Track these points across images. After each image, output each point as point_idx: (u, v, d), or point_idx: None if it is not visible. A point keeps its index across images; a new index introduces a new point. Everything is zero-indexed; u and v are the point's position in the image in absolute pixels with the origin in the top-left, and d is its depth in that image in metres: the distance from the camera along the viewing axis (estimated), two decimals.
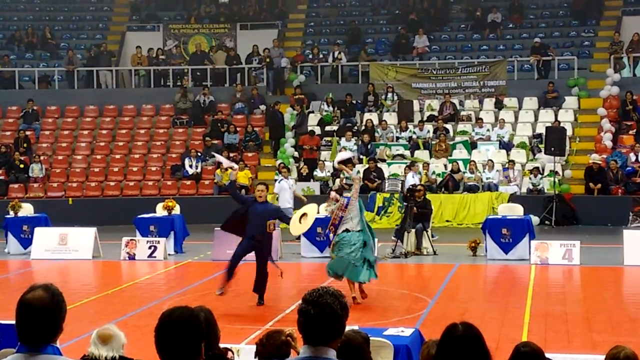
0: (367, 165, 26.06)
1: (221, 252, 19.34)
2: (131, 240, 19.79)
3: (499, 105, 28.90)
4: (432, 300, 14.54)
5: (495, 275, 18.03)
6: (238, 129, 28.98)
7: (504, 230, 18.85)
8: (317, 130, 28.45)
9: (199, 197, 26.81)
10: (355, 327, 6.71)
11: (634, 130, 26.97)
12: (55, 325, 3.85)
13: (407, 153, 27.20)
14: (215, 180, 26.79)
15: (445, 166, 26.16)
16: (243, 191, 26.03)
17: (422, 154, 27.06)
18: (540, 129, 27.12)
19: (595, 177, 24.94)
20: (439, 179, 25.67)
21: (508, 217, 19.61)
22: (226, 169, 22.66)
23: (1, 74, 31.77)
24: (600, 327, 12.46)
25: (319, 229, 18.40)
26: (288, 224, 14.58)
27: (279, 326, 10.02)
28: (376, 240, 19.01)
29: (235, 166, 15.51)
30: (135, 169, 28.31)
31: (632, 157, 25.69)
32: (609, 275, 17.33)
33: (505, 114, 28.38)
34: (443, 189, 25.26)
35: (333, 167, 26.69)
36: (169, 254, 19.90)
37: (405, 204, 20.63)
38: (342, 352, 4.37)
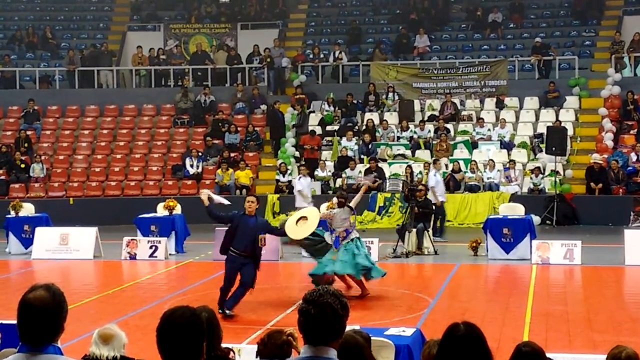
0: (368, 165, 26.06)
1: None
2: (132, 240, 19.79)
3: (500, 105, 28.90)
4: (434, 300, 14.54)
5: (497, 275, 18.03)
6: (239, 128, 28.99)
7: (505, 230, 18.85)
8: (318, 130, 28.45)
9: (200, 197, 26.76)
10: (357, 327, 6.71)
11: (635, 130, 26.95)
12: (56, 325, 3.85)
13: (408, 153, 27.20)
14: (216, 180, 26.80)
15: (447, 166, 26.14)
16: (244, 191, 26.09)
17: (423, 154, 27.05)
18: (541, 129, 27.12)
19: (596, 177, 24.93)
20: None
21: (509, 217, 19.61)
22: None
23: (2, 74, 31.78)
24: (602, 327, 12.46)
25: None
26: (281, 235, 14.50)
27: (280, 326, 10.01)
28: (377, 240, 19.11)
29: (225, 202, 14.61)
30: (136, 168, 28.32)
31: (633, 156, 25.69)
32: (610, 275, 17.33)
33: (506, 113, 28.38)
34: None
35: (334, 166, 26.73)
36: (170, 254, 19.90)
37: (406, 203, 20.63)
38: (343, 353, 4.37)
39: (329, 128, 28.62)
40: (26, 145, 28.49)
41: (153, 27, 34.37)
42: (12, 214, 21.24)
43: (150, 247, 19.57)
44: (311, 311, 3.94)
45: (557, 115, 27.84)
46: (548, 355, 4.98)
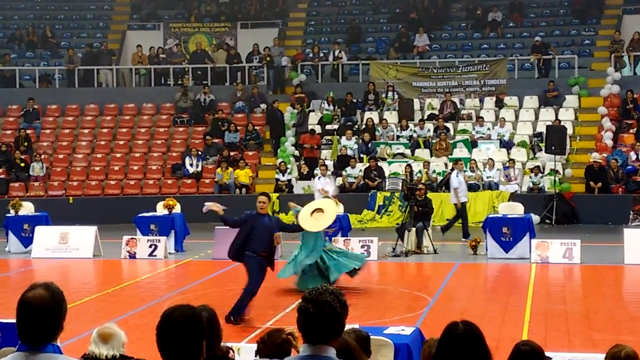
0: (367, 164, 26.06)
1: (222, 250, 19.33)
2: (132, 239, 19.79)
3: (500, 104, 28.90)
4: (433, 299, 14.55)
5: (496, 274, 18.04)
6: (238, 127, 28.98)
7: (505, 229, 18.85)
8: (318, 129, 28.46)
9: (199, 196, 26.75)
10: (356, 326, 6.71)
11: (635, 129, 26.95)
12: (55, 324, 3.86)
13: (408, 152, 27.21)
14: (216, 179, 26.81)
15: (446, 165, 26.15)
16: (244, 190, 26.09)
17: (422, 153, 27.06)
18: (541, 128, 27.12)
19: (595, 176, 24.93)
20: (440, 178, 25.66)
21: (508, 216, 19.60)
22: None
23: (2, 73, 31.77)
24: (601, 326, 12.47)
25: None
26: (295, 231, 14.30)
27: (279, 325, 10.02)
28: (376, 239, 19.10)
29: (215, 207, 13.69)
30: (135, 167, 28.32)
31: (633, 155, 25.69)
32: (609, 274, 17.34)
33: (506, 112, 28.38)
34: (443, 188, 25.24)
35: (334, 165, 26.70)
36: (169, 253, 19.90)
37: (406, 202, 20.63)
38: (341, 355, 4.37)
39: (328, 127, 28.62)
40: (26, 144, 28.49)
41: (153, 26, 34.37)
42: (12, 212, 21.24)
43: (150, 246, 19.57)
44: (310, 310, 3.94)
45: (556, 114, 27.84)
46: (547, 354, 4.98)
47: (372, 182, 25.54)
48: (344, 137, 27.69)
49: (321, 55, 31.41)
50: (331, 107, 29.18)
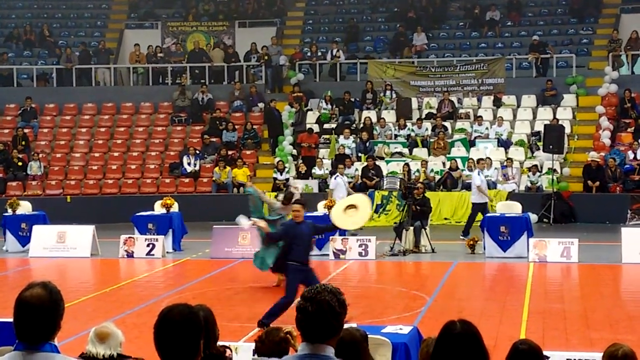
0: (365, 163, 26.06)
1: (219, 250, 19.38)
2: (129, 238, 19.77)
3: (498, 103, 28.90)
4: (431, 298, 14.55)
5: (494, 273, 18.04)
6: (236, 126, 28.97)
7: (502, 228, 18.86)
8: (316, 127, 28.46)
9: (197, 195, 26.81)
10: (354, 325, 6.71)
11: (632, 128, 26.96)
12: (53, 323, 3.85)
13: (406, 151, 27.21)
14: (214, 178, 26.79)
15: (444, 164, 26.16)
16: (241, 189, 26.07)
17: (420, 152, 27.07)
18: (539, 127, 27.13)
19: (593, 175, 24.94)
20: (437, 177, 25.67)
21: (506, 215, 19.59)
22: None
23: None
24: (598, 325, 12.47)
25: None
26: (329, 231, 14.23)
27: (277, 324, 10.02)
28: (374, 237, 19.10)
29: (262, 223, 13.76)
30: (133, 166, 28.30)
31: (631, 154, 25.71)
32: (607, 272, 17.34)
33: (504, 111, 28.39)
34: (441, 187, 25.26)
35: (332, 164, 26.69)
36: (167, 252, 19.88)
37: (404, 201, 20.62)
38: (340, 349, 4.37)
39: (326, 126, 28.62)
40: (23, 143, 28.46)
41: (151, 25, 34.35)
42: (10, 212, 21.22)
43: (148, 245, 19.55)
44: (309, 308, 3.94)
45: (554, 113, 27.85)
46: (545, 353, 4.99)
47: (370, 181, 25.52)
48: (341, 136, 27.68)
49: (319, 54, 31.40)
50: (329, 106, 29.18)
